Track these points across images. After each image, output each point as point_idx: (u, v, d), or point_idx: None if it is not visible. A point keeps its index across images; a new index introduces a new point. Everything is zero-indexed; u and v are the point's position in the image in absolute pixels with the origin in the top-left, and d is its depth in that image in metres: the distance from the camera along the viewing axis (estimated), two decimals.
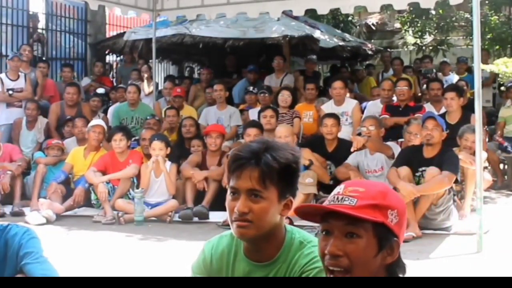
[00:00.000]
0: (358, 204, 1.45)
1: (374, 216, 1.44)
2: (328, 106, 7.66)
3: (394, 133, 6.78)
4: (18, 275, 2.43)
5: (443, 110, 7.12)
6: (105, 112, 8.76)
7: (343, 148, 6.54)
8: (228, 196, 1.78)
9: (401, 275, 1.52)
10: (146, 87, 9.44)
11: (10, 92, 8.21)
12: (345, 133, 7.37)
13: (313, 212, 1.53)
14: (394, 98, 7.72)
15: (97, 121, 7.41)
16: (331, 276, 1.46)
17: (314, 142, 6.91)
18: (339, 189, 1.51)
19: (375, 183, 1.57)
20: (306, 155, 6.25)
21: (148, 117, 7.93)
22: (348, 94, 7.98)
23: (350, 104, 7.62)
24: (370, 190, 1.49)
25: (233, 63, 11.03)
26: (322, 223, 1.50)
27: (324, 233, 1.50)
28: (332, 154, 6.60)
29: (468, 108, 6.82)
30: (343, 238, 1.46)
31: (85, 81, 10.53)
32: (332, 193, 1.51)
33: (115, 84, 11.06)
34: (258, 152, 1.73)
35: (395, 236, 1.48)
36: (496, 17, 12.39)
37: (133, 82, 9.51)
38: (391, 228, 1.47)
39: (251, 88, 8.74)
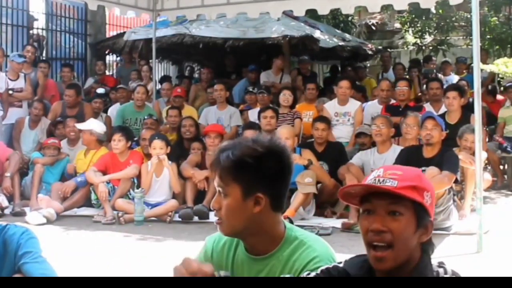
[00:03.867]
0: (399, 185, 1.58)
1: (414, 196, 1.58)
2: (331, 105, 7.66)
3: None
4: (16, 275, 2.41)
5: (442, 110, 7.12)
6: (105, 111, 8.75)
7: (333, 147, 6.72)
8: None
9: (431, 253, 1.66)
10: None
11: (10, 92, 8.20)
12: (346, 133, 7.39)
13: (353, 194, 1.66)
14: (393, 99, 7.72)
15: (86, 125, 7.27)
16: (373, 252, 1.58)
17: (305, 144, 6.97)
18: (378, 172, 1.64)
19: (410, 168, 1.70)
20: (305, 155, 6.25)
21: (145, 117, 7.92)
22: None
23: (353, 104, 7.64)
24: (407, 173, 1.63)
25: (232, 63, 11.03)
26: (364, 203, 1.64)
27: (366, 213, 1.63)
28: (322, 154, 6.64)
29: (467, 108, 6.82)
30: (386, 216, 1.59)
31: (89, 82, 10.51)
32: (372, 176, 1.64)
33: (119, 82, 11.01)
34: (220, 151, 1.84)
35: (429, 216, 1.63)
36: (496, 17, 12.39)
37: (133, 82, 9.50)
38: (427, 208, 1.61)
39: (251, 88, 8.73)
